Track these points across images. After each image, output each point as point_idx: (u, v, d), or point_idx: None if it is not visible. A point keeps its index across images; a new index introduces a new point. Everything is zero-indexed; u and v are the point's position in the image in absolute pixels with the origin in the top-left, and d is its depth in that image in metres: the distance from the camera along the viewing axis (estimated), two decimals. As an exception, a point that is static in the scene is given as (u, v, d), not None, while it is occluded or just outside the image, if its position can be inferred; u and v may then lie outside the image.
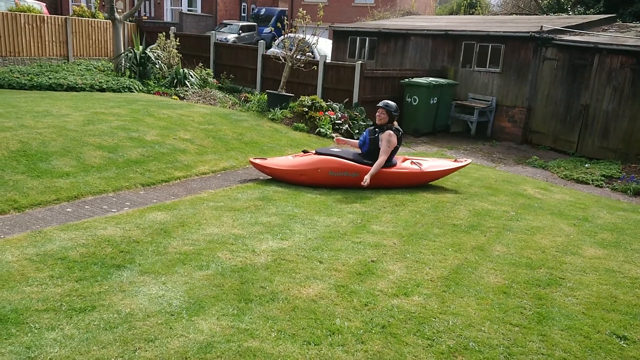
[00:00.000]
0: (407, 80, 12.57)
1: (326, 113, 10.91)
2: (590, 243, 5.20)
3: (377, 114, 6.84)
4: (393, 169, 6.76)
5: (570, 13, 17.59)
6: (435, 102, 12.57)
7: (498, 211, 6.09)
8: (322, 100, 11.26)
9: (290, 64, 11.41)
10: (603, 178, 9.52)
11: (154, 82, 13.02)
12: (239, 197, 6.00)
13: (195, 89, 12.77)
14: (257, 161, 6.92)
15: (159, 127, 8.33)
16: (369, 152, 6.76)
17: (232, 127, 9.37)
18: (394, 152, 6.76)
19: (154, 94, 12.22)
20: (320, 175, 6.66)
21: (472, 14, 25.87)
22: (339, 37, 16.60)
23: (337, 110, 11.44)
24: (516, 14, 19.85)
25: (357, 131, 11.24)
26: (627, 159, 11.07)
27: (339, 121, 11.02)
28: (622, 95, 11.26)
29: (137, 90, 12.22)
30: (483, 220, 5.67)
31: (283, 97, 11.45)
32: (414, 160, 7.00)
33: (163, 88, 12.65)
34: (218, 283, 3.69)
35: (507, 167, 10.10)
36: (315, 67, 12.28)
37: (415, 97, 12.40)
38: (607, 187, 9.17)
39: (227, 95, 12.81)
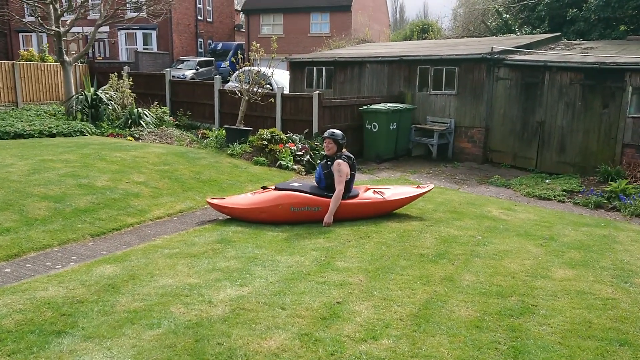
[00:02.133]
0: (365, 107, 12.56)
1: (286, 145, 10.73)
2: (559, 264, 5.10)
3: (325, 144, 6.69)
4: (355, 200, 6.58)
5: (518, 33, 18.12)
6: (395, 127, 12.58)
7: (464, 236, 5.96)
8: (281, 132, 11.10)
9: (247, 97, 11.25)
10: (564, 193, 9.60)
11: (107, 124, 12.63)
12: (195, 241, 5.70)
13: (151, 128, 12.43)
14: (215, 201, 6.64)
15: (111, 171, 7.97)
16: (328, 186, 6.57)
17: (189, 166, 9.08)
18: (351, 180, 6.60)
19: (107, 135, 11.83)
20: (281, 211, 6.42)
21: (425, 38, 26.49)
22: (296, 68, 16.60)
23: (298, 141, 11.29)
24: (467, 36, 20.36)
25: (319, 161, 11.06)
26: (585, 172, 11.24)
27: (300, 152, 10.85)
28: (574, 110, 11.51)
29: (89, 133, 11.81)
30: (450, 248, 5.52)
31: (242, 131, 11.24)
32: (376, 190, 6.84)
33: (117, 129, 12.28)
34: (170, 343, 3.38)
35: (471, 188, 10.08)
36: (272, 99, 12.15)
37: (374, 123, 12.38)
38: (569, 201, 9.23)
39: (184, 133, 12.52)
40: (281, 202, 6.42)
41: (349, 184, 6.57)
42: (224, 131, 11.61)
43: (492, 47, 12.69)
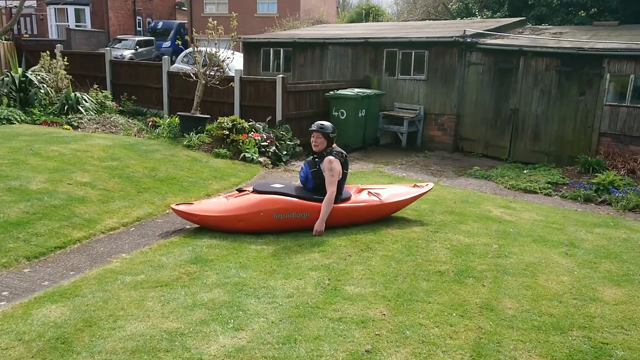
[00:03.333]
0: (332, 93, 11.61)
1: (250, 135, 9.63)
2: (599, 280, 4.41)
3: (312, 139, 5.70)
4: (348, 204, 5.66)
5: (479, 17, 17.66)
6: (363, 114, 11.72)
7: (478, 245, 5.19)
8: (243, 120, 9.97)
9: (203, 81, 10.01)
10: (549, 185, 9.08)
11: (39, 110, 11.01)
12: (163, 262, 4.60)
13: (91, 115, 10.94)
14: (182, 208, 5.52)
15: (48, 170, 6.64)
16: (316, 188, 5.61)
17: (141, 160, 7.83)
18: (342, 180, 5.66)
19: (40, 124, 10.27)
20: (263, 219, 5.41)
21: (373, 21, 25.73)
22: (251, 50, 15.38)
23: (261, 130, 10.20)
24: (427, 19, 19.75)
25: (285, 152, 10.08)
26: (560, 161, 10.85)
27: (265, 143, 9.79)
28: (549, 98, 11.05)
29: (18, 122, 10.21)
30: (469, 262, 4.72)
31: (198, 119, 10.02)
32: (371, 191, 5.94)
33: (51, 117, 10.71)
34: None
35: (450, 181, 9.41)
36: (232, 83, 10.96)
37: (342, 110, 11.46)
38: (556, 195, 8.71)
39: (130, 121, 11.11)
40: (263, 208, 5.40)
41: (340, 184, 5.63)
42: (177, 119, 10.34)
43: (464, 30, 12.02)
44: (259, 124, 10.38)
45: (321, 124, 5.71)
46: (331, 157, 5.58)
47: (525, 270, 4.56)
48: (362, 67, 13.42)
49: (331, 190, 5.49)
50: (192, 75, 10.37)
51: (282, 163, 9.85)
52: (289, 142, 10.39)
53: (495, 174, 9.90)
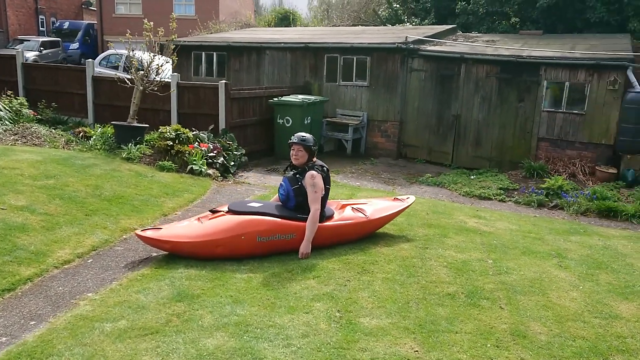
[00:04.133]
0: (277, 99, 11.14)
1: (197, 145, 8.94)
2: (606, 294, 4.37)
3: (293, 153, 5.26)
4: (334, 222, 5.26)
5: (408, 24, 17.94)
6: (309, 121, 11.35)
7: (473, 261, 5.00)
8: (187, 130, 9.24)
9: (141, 87, 9.16)
10: (502, 191, 9.22)
11: (-59, 120, 9.58)
12: (143, 301, 3.95)
13: (7, 125, 9.68)
14: (149, 234, 4.84)
15: (-27, 193, 5.65)
16: (299, 206, 5.16)
17: (81, 177, 6.94)
18: (325, 196, 5.27)
19: (-56, 136, 8.91)
20: (245, 243, 4.87)
21: (289, 26, 25.50)
22: (181, 53, 14.47)
23: (206, 140, 9.53)
24: (357, 25, 19.78)
25: (233, 163, 9.48)
26: (502, 166, 11.13)
27: (213, 154, 9.14)
28: (490, 104, 11.32)
29: None
30: (473, 280, 4.51)
31: (136, 129, 9.16)
32: (355, 207, 5.58)
33: (-42, 127, 9.34)
34: None
35: (406, 189, 9.29)
36: (174, 89, 10.17)
37: (287, 117, 11.03)
38: (510, 200, 8.85)
39: (54, 131, 9.96)
40: (244, 231, 4.86)
41: (323, 201, 5.22)
42: (111, 128, 9.40)
43: (406, 37, 12.03)
44: (203, 133, 9.70)
45: (302, 136, 5.27)
46: (313, 172, 5.16)
47: (532, 287, 4.42)
48: (302, 73, 13.07)
49: (315, 208, 5.07)
50: (126, 80, 9.46)
51: (231, 175, 9.25)
52: (236, 152, 9.80)
53: (447, 181, 9.92)
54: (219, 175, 8.91)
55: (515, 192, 9.26)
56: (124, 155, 8.49)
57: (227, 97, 10.25)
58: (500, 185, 9.51)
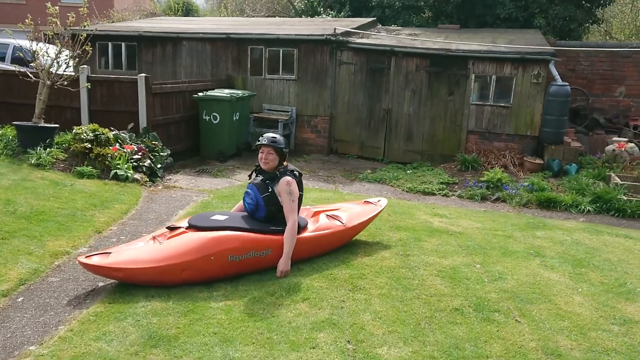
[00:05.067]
0: (202, 94, 10.26)
1: (120, 147, 7.89)
2: (606, 294, 4.28)
3: (262, 156, 4.64)
4: (311, 233, 4.71)
5: (324, 16, 17.60)
6: (237, 117, 10.61)
7: (461, 267, 4.71)
8: (107, 130, 8.14)
9: (49, 82, 7.91)
10: (443, 186, 9.15)
11: None
12: (108, 352, 3.15)
13: None
14: (96, 261, 3.98)
15: None
16: (270, 216, 4.55)
17: (-15, 191, 5.75)
18: (299, 205, 4.70)
19: None
20: (215, 264, 4.17)
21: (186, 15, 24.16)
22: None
23: (128, 140, 8.48)
24: (272, 16, 19.07)
25: (160, 166, 8.54)
26: (433, 160, 11.15)
27: (138, 156, 8.14)
28: (421, 98, 11.27)
29: None
30: (473, 290, 4.21)
31: (44, 130, 7.92)
32: (329, 214, 5.05)
33: None
34: None
35: (348, 187, 8.93)
36: (88, 84, 8.94)
37: (215, 114, 10.20)
38: (453, 195, 8.79)
39: None
40: (213, 250, 4.16)
41: (297, 209, 4.65)
42: (12, 130, 8.04)
43: (334, 28, 11.63)
44: (124, 133, 8.63)
45: (273, 137, 4.65)
46: (288, 178, 4.57)
47: (535, 293, 4.19)
48: (224, 66, 12.23)
49: (293, 219, 4.48)
50: (29, 74, 8.13)
51: (159, 178, 8.32)
52: (162, 154, 8.85)
53: (388, 177, 9.70)
54: (147, 180, 7.94)
55: (456, 186, 9.25)
56: (32, 161, 7.27)
57: (148, 92, 9.22)
58: (441, 180, 9.45)
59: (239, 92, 10.84)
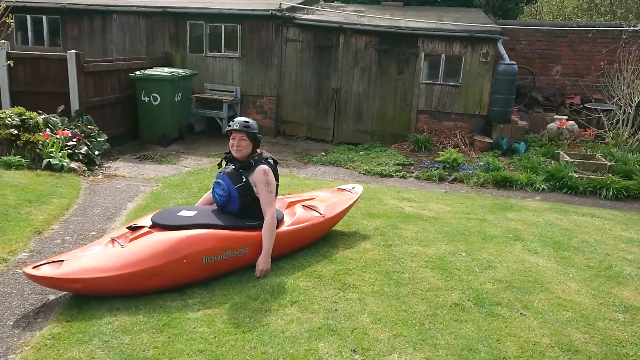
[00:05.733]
0: (140, 73, 9.43)
1: (53, 133, 7.05)
2: (598, 279, 4.20)
3: (233, 142, 4.14)
4: (290, 227, 4.29)
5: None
6: (179, 98, 9.88)
7: (447, 256, 4.50)
8: (35, 113, 7.24)
9: (-37, 59, 6.88)
10: (400, 167, 8.97)
11: None
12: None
13: None
14: (47, 272, 3.37)
15: None
16: (243, 209, 4.09)
17: None
18: (274, 196, 4.28)
19: None
20: (187, 268, 3.67)
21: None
22: (-3, 15, 11.60)
23: (60, 125, 7.62)
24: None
25: (97, 153, 7.76)
26: (384, 140, 10.98)
27: (72, 142, 7.32)
28: (370, 76, 11.00)
29: None
30: (466, 281, 4.01)
31: (-41, 115, 6.90)
32: (305, 204, 4.64)
33: None
34: None
35: (303, 171, 8.56)
36: (6, 62, 7.89)
37: (155, 94, 9.44)
38: (410, 176, 8.63)
39: None
40: (186, 252, 3.66)
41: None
42: None
43: (280, 3, 11.05)
44: (54, 117, 7.74)
45: (245, 121, 4.16)
46: (265, 167, 4.12)
47: (529, 282, 4.04)
48: (161, 42, 11.37)
49: (271, 212, 4.05)
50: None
51: (97, 167, 7.56)
52: (99, 139, 8.04)
53: (342, 159, 9.40)
54: (85, 169, 7.16)
55: (412, 167, 9.10)
56: (-53, 151, 6.31)
57: (79, 71, 8.33)
58: (396, 161, 9.27)
59: (180, 70, 10.09)
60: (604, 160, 8.94)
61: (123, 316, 3.30)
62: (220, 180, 4.14)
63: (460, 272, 4.15)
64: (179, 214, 4.00)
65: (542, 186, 8.08)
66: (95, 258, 3.54)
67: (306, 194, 5.09)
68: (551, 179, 8.26)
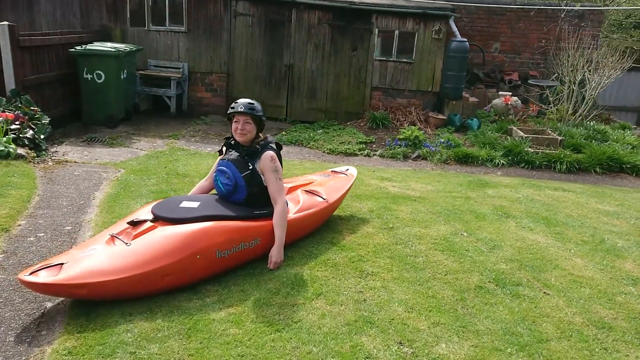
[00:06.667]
0: (81, 48, 8.65)
1: (-5, 117, 6.31)
2: (597, 254, 4.31)
3: (237, 126, 3.82)
4: (297, 214, 4.07)
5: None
6: (125, 76, 9.20)
7: (451, 237, 4.49)
8: (-30, 94, 6.43)
9: None
10: (363, 146, 8.91)
11: None
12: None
13: None
14: (46, 278, 2.96)
15: None
16: (250, 199, 3.83)
17: None
18: (279, 182, 4.04)
19: None
20: (201, 264, 3.38)
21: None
22: None
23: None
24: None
25: (43, 136, 7.07)
26: (338, 118, 10.87)
27: (16, 126, 6.60)
28: (324, 53, 10.78)
29: None
30: (479, 262, 4.01)
31: None
32: (308, 189, 4.43)
33: None
34: None
35: (266, 152, 8.27)
36: None
37: (98, 72, 8.71)
38: (375, 155, 8.61)
39: None
40: (199, 247, 3.36)
41: (275, 188, 3.97)
42: None
43: (227, -26, 10.49)
44: (-11, 98, 6.93)
45: (250, 103, 3.85)
46: (272, 153, 3.86)
47: (538, 259, 4.12)
48: (97, 15, 10.48)
49: (282, 200, 3.82)
50: None
51: (43, 152, 6.88)
52: (44, 122, 7.32)
53: (304, 138, 9.19)
54: (35, 155, 6.50)
55: (374, 145, 9.06)
56: None
57: (14, 45, 7.48)
58: (359, 139, 9.20)
59: (123, 45, 9.35)
60: (555, 135, 9.34)
61: (140, 322, 2.98)
62: (224, 168, 3.83)
63: (470, 253, 4.15)
64: (181, 205, 3.66)
65: (501, 161, 8.33)
66: (99, 259, 3.16)
67: (302, 178, 4.87)
68: (509, 154, 8.53)
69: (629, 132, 10.39)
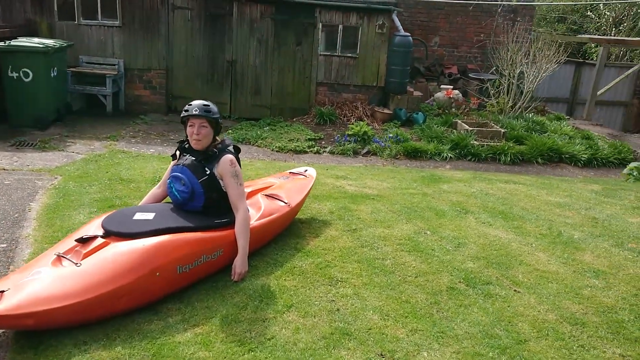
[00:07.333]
0: (5, 44, 7.97)
1: None
2: (556, 247, 4.38)
3: (192, 131, 3.55)
4: (259, 221, 3.86)
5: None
6: (55, 74, 8.58)
7: (415, 237, 4.41)
8: None
9: None
10: (313, 142, 8.77)
11: None
12: None
13: None
14: (-15, 307, 2.62)
15: None
16: (209, 206, 3.59)
17: None
18: (238, 187, 3.82)
19: None
20: (161, 282, 3.11)
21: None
22: None
23: None
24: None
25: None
26: (283, 114, 10.70)
27: None
28: (267, 48, 10.54)
29: None
30: (446, 262, 3.95)
31: None
32: (268, 193, 4.21)
33: None
34: None
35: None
36: None
37: (25, 69, 8.06)
38: (324, 151, 8.51)
39: None
40: (158, 263, 3.09)
41: (233, 193, 3.74)
42: None
43: (163, -34, 10.00)
44: None
45: (205, 105, 3.60)
46: (231, 157, 3.62)
47: (503, 256, 4.11)
48: (20, 7, 9.74)
49: (244, 207, 3.60)
50: None
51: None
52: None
53: (251, 136, 8.94)
54: (-37, 164, 5.90)
55: (324, 142, 8.95)
56: None
57: None
58: (307, 136, 9.05)
59: (52, 41, 8.71)
60: (498, 127, 9.57)
61: (97, 351, 2.69)
62: (179, 174, 3.56)
63: (437, 252, 4.09)
64: (135, 217, 3.36)
65: (449, 155, 8.43)
66: (45, 283, 2.82)
67: (260, 181, 4.65)
68: (456, 147, 8.65)
69: (564, 122, 10.83)
